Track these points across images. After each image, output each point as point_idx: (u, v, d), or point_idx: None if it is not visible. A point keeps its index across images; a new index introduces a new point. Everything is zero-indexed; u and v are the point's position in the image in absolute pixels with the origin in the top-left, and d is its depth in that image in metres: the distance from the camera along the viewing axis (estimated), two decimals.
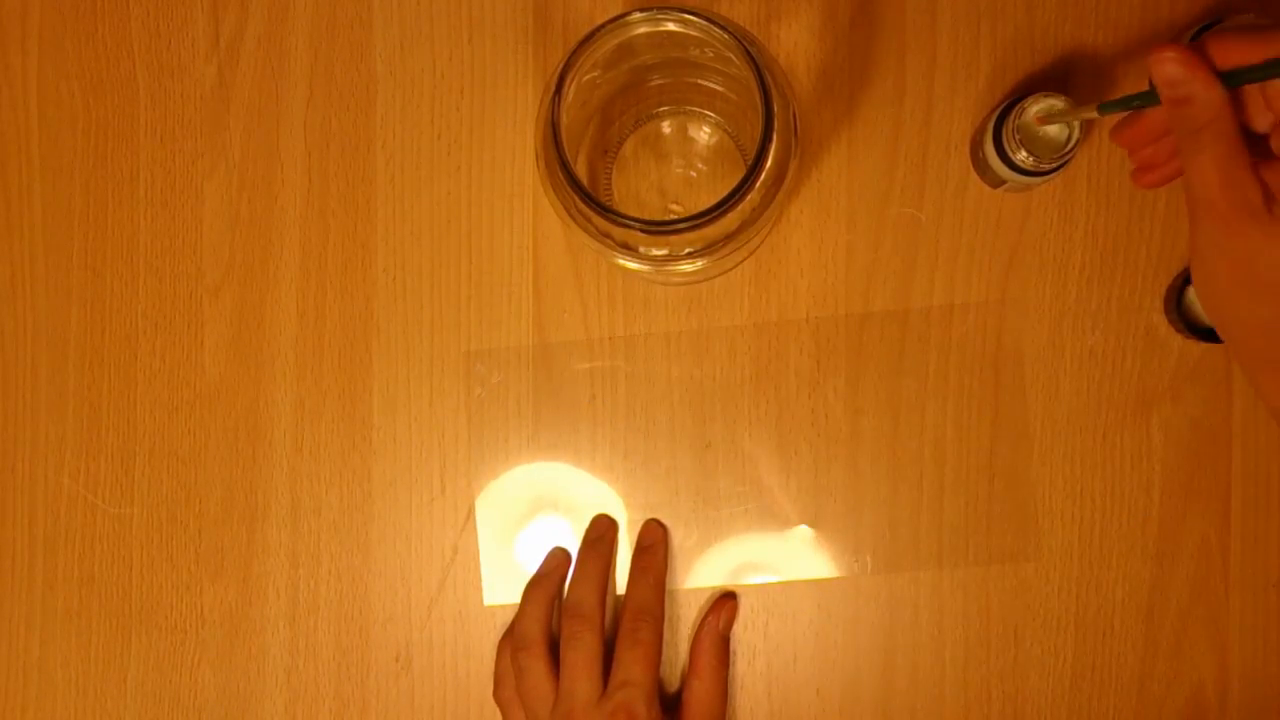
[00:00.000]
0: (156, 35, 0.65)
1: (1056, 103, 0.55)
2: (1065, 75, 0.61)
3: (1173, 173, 0.51)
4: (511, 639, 0.61)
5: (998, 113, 0.58)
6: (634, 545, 0.63)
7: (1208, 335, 0.59)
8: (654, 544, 0.62)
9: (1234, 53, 0.45)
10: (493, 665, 0.62)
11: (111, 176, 0.65)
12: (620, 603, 0.62)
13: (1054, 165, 0.56)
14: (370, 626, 0.64)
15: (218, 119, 0.64)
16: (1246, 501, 0.61)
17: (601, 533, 0.63)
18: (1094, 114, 0.52)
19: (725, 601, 0.62)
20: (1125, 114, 0.51)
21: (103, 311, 0.65)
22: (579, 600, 0.59)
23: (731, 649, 0.62)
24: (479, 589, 0.63)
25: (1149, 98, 0.48)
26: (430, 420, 0.63)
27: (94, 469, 0.65)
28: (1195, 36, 0.56)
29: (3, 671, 0.65)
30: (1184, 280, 0.60)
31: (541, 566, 0.63)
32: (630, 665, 0.58)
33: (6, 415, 0.65)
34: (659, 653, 0.59)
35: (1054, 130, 0.56)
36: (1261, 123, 0.46)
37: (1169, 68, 0.45)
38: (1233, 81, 0.45)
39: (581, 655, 0.58)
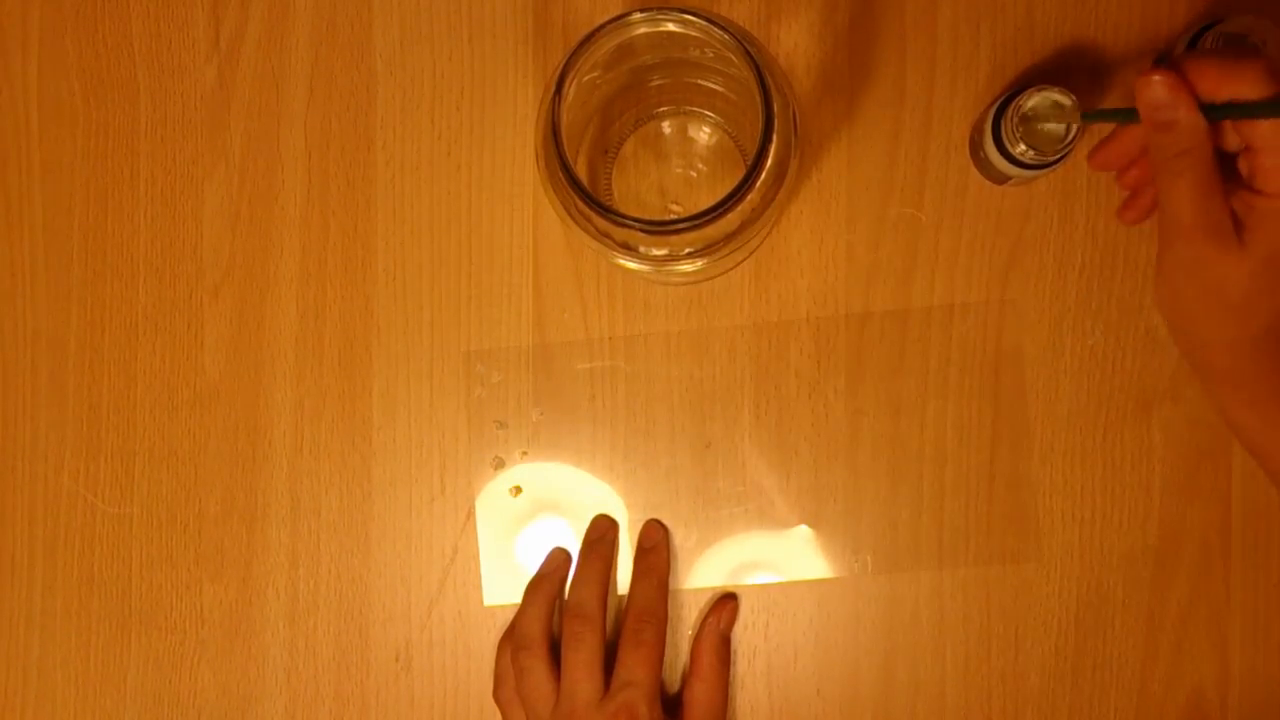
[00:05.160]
0: (157, 35, 0.65)
1: (1053, 97, 0.55)
2: (1065, 75, 0.61)
3: (1152, 204, 0.52)
4: (512, 639, 0.61)
5: (996, 106, 0.57)
6: (635, 546, 0.63)
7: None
8: (656, 545, 0.62)
9: (1212, 79, 0.45)
10: (493, 665, 0.62)
11: (111, 176, 0.65)
12: (622, 603, 0.62)
13: (1054, 158, 0.55)
14: (370, 626, 0.64)
15: (218, 119, 0.64)
16: (1246, 501, 0.61)
17: (602, 533, 0.63)
18: (1077, 120, 0.52)
19: (726, 602, 0.62)
20: (1103, 136, 0.51)
21: (103, 311, 0.65)
22: (581, 601, 0.59)
23: (732, 649, 0.62)
24: (479, 589, 0.63)
25: (1130, 115, 0.48)
26: (430, 420, 0.63)
27: (94, 469, 0.65)
28: (1195, 37, 0.56)
29: (3, 671, 0.65)
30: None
31: (542, 567, 0.63)
32: (634, 666, 0.58)
33: (6, 415, 0.65)
34: (662, 654, 0.59)
35: (1051, 123, 0.56)
36: (1231, 143, 0.48)
37: (1156, 91, 0.45)
38: (1215, 116, 0.45)
39: (583, 655, 0.58)
